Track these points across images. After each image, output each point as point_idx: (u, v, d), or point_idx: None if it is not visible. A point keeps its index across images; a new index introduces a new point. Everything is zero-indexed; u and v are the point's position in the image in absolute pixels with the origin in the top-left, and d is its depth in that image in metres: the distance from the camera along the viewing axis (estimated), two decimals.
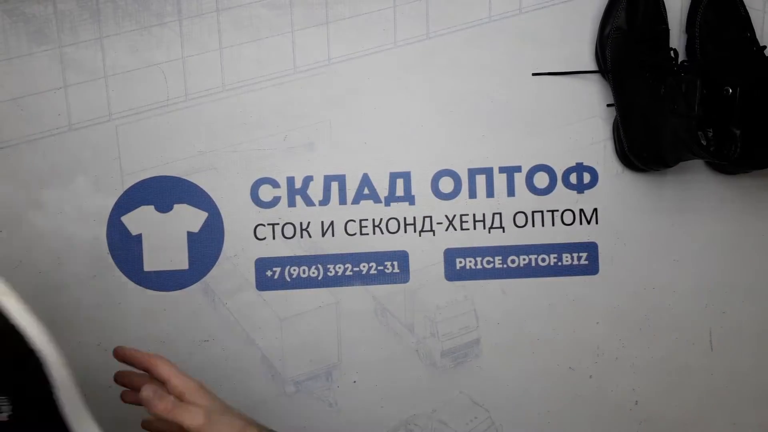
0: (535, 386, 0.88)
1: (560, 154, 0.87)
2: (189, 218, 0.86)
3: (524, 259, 0.87)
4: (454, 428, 0.88)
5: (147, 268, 0.86)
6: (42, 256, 0.85)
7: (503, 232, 0.87)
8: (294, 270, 0.86)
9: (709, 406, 0.89)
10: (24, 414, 0.48)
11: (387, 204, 0.87)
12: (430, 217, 0.87)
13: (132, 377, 0.66)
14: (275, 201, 0.86)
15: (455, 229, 0.87)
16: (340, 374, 0.88)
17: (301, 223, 0.86)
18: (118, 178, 0.85)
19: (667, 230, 0.87)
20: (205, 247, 0.86)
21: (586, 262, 0.87)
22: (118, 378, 0.66)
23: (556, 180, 0.87)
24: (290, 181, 0.86)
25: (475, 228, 0.87)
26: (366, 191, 0.87)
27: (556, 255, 0.87)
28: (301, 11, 0.85)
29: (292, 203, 0.86)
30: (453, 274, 0.87)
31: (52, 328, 0.87)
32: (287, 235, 0.86)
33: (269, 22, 0.85)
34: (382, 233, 0.87)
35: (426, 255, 0.87)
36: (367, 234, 0.87)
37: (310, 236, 0.86)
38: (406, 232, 0.87)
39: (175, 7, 0.85)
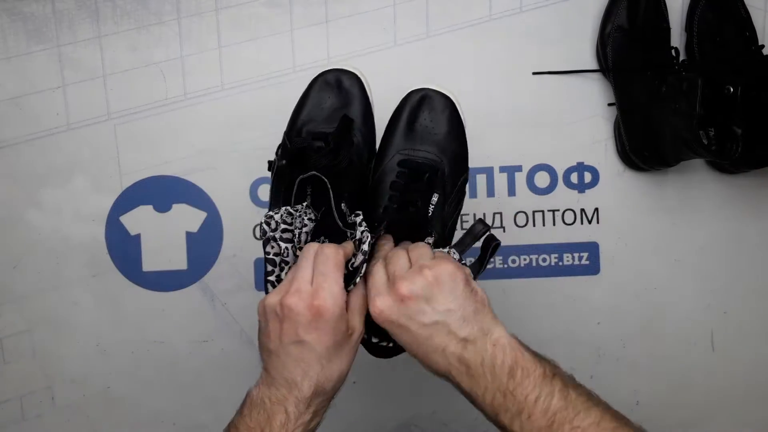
0: None
1: (561, 153, 0.87)
2: (188, 218, 0.85)
3: (525, 259, 0.87)
4: (455, 429, 0.88)
5: (146, 268, 0.85)
6: (40, 256, 0.85)
7: (504, 231, 0.87)
8: None
9: (711, 407, 0.89)
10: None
11: None
12: None
13: None
14: None
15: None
16: None
17: None
18: (117, 178, 0.85)
19: (668, 230, 0.87)
20: (204, 247, 0.86)
21: (587, 262, 0.87)
22: None
23: (557, 179, 0.87)
24: None
25: None
26: None
27: (556, 255, 0.87)
28: (300, 10, 0.85)
29: None
30: None
31: (50, 327, 0.88)
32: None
33: (268, 20, 0.85)
34: None
35: None
36: None
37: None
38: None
39: (174, 5, 0.85)
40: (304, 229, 0.59)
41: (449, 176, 0.63)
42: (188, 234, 0.85)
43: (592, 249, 0.87)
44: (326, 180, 0.58)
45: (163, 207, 0.85)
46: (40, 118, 0.84)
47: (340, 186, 0.59)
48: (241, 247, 0.86)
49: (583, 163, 0.87)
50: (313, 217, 0.61)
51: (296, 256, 0.57)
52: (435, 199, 0.61)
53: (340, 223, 0.60)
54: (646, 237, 0.87)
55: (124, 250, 0.85)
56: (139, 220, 0.85)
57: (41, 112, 0.84)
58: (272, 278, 0.57)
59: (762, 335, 0.88)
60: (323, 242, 0.60)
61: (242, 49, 0.85)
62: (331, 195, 0.59)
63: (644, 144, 0.81)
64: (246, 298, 0.86)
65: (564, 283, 0.87)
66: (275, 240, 0.57)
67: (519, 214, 0.87)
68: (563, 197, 0.87)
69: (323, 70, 0.67)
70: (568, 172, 0.87)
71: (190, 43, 0.85)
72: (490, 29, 0.86)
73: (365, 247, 0.53)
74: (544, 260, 0.87)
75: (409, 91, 0.66)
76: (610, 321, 0.88)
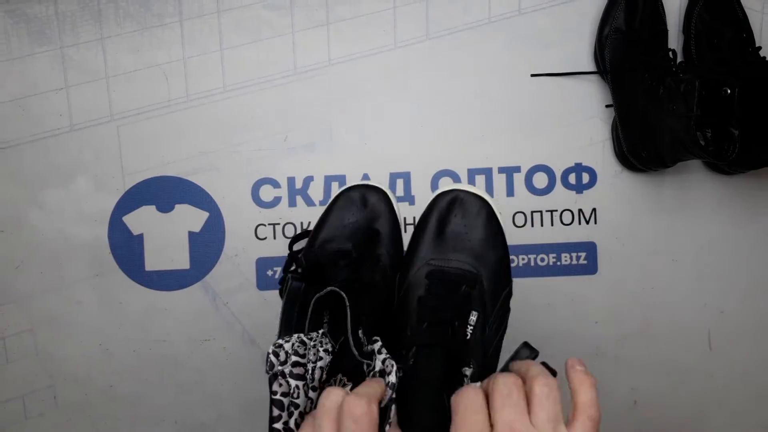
0: None
1: (559, 154, 0.87)
2: (190, 218, 0.86)
3: (523, 259, 0.87)
4: None
5: (148, 267, 0.86)
6: (43, 257, 0.85)
7: None
8: None
9: (708, 406, 0.89)
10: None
11: None
12: None
13: None
14: (276, 201, 0.86)
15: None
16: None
17: (301, 223, 0.86)
18: (120, 179, 0.85)
19: (665, 230, 0.87)
20: (206, 246, 0.86)
21: (585, 262, 0.87)
22: None
23: (555, 180, 0.87)
24: (291, 181, 0.86)
25: None
26: None
27: (555, 255, 0.87)
28: (301, 12, 0.86)
29: (292, 203, 0.86)
30: None
31: (53, 327, 0.88)
32: (288, 235, 0.86)
33: (270, 23, 0.86)
34: None
35: None
36: None
37: None
38: (406, 231, 0.87)
39: (176, 8, 0.85)
40: (319, 364, 0.48)
41: (489, 290, 0.54)
42: (191, 234, 0.86)
43: (589, 249, 0.87)
44: (345, 297, 0.49)
45: (165, 207, 0.86)
46: (43, 119, 0.85)
47: (360, 306, 0.50)
48: (243, 247, 0.86)
49: (581, 164, 0.87)
50: (330, 349, 0.50)
51: (308, 398, 0.47)
52: (473, 318, 0.51)
53: (355, 352, 0.49)
54: (643, 237, 0.87)
55: (126, 250, 0.86)
56: (142, 220, 0.86)
57: (44, 113, 0.85)
58: (278, 426, 0.45)
59: (759, 335, 0.89)
60: (342, 383, 0.50)
61: (244, 51, 0.86)
62: (349, 317, 0.49)
63: (642, 145, 0.82)
64: (248, 298, 0.86)
65: (562, 282, 0.87)
66: (284, 376, 0.47)
67: (517, 215, 0.87)
68: (561, 198, 0.87)
69: (345, 187, 0.61)
70: (566, 173, 0.87)
71: (192, 45, 0.85)
72: (489, 31, 0.86)
73: (392, 379, 0.42)
74: (542, 260, 0.87)
75: (437, 193, 0.58)
76: (608, 320, 0.88)
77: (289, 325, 0.52)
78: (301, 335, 0.49)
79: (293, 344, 0.48)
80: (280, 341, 0.48)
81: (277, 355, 0.48)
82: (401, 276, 0.56)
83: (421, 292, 0.52)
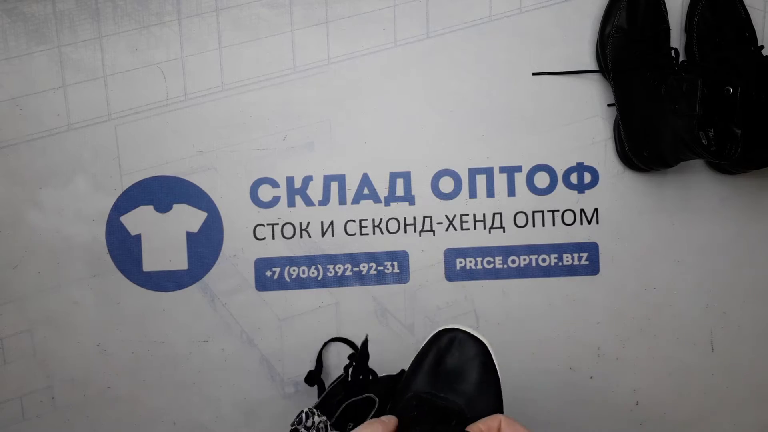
0: (536, 386, 0.88)
1: (561, 153, 0.87)
2: (188, 218, 0.85)
3: (525, 260, 0.87)
4: None
5: (146, 268, 0.85)
6: (41, 257, 0.85)
7: (503, 232, 0.87)
8: (293, 270, 0.86)
9: (710, 407, 0.89)
10: None
11: (387, 204, 0.86)
12: (430, 217, 0.87)
13: None
14: (275, 201, 0.86)
15: (455, 229, 0.87)
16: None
17: (300, 223, 0.86)
18: (117, 178, 0.85)
19: (667, 230, 0.87)
20: (205, 247, 0.86)
21: (587, 263, 0.87)
22: None
23: (556, 180, 0.87)
24: (290, 180, 0.86)
25: (475, 228, 0.87)
26: (366, 191, 0.86)
27: (556, 255, 0.87)
28: (300, 10, 0.85)
29: (291, 203, 0.86)
30: (453, 274, 0.87)
31: (51, 328, 0.88)
32: (287, 235, 0.86)
33: (269, 21, 0.85)
34: (382, 233, 0.86)
35: (426, 255, 0.87)
36: (367, 234, 0.86)
37: (309, 236, 0.86)
38: (406, 232, 0.87)
39: (175, 6, 0.85)
40: None
41: None
42: (189, 234, 0.85)
43: (591, 249, 0.87)
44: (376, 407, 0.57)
45: (163, 207, 0.85)
46: (40, 118, 0.85)
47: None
48: (241, 248, 0.86)
49: (582, 163, 0.87)
50: None
51: None
52: None
53: None
54: (645, 237, 0.87)
55: (124, 251, 0.85)
56: (140, 220, 0.85)
57: (42, 113, 0.84)
58: None
59: (761, 336, 0.88)
60: None
61: (242, 50, 0.85)
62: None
63: (644, 144, 0.81)
64: (246, 298, 0.86)
65: (563, 283, 0.87)
66: None
67: (519, 215, 0.87)
68: (563, 197, 0.87)
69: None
70: (567, 173, 0.87)
71: (191, 44, 0.85)
72: (490, 30, 0.86)
73: None
74: (543, 260, 0.87)
75: (438, 330, 0.60)
76: (610, 321, 0.88)
77: (328, 403, 0.58)
78: (329, 423, 0.56)
79: (322, 422, 0.55)
80: (316, 411, 0.55)
81: (308, 416, 0.54)
82: (391, 404, 0.58)
83: (408, 415, 0.52)
